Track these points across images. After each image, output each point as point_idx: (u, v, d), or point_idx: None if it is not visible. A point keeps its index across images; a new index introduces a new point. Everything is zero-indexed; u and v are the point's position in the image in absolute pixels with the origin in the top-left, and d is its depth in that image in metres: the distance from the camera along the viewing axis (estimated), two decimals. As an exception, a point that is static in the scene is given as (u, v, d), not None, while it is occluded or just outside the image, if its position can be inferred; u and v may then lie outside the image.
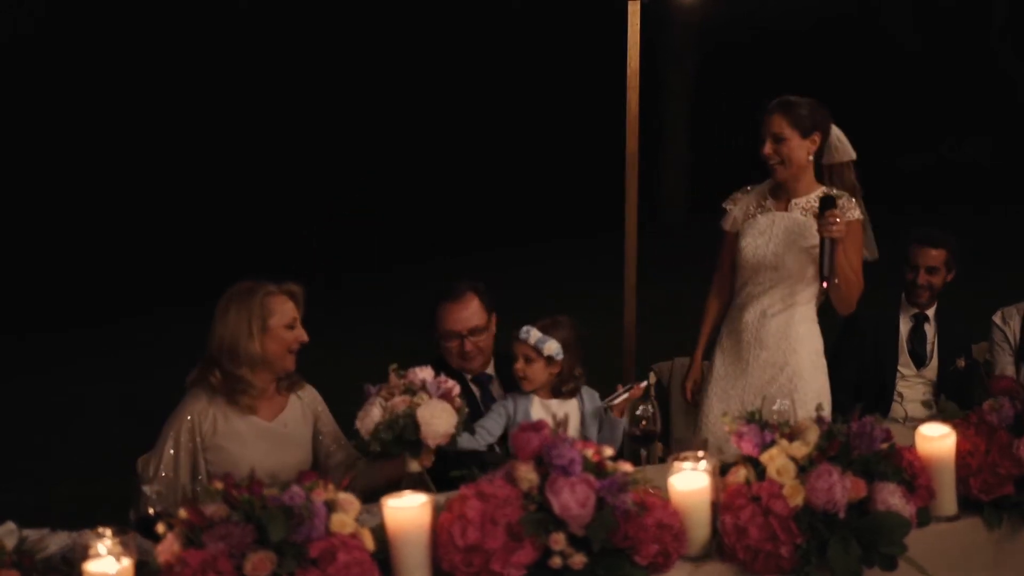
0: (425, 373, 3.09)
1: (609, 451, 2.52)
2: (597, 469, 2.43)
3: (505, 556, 2.30)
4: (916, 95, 14.62)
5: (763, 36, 13.83)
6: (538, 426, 2.45)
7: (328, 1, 14.27)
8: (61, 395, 7.46)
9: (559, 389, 3.60)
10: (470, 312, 3.70)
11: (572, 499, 2.34)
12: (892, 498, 2.55)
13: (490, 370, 3.77)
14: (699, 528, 2.53)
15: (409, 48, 14.35)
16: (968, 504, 2.79)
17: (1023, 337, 4.49)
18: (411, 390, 3.04)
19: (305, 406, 3.45)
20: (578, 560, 2.32)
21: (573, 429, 3.59)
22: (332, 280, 10.68)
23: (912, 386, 4.49)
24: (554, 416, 3.56)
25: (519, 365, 3.55)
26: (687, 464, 2.55)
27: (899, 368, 4.52)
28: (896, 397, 4.47)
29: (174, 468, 3.23)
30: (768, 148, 3.81)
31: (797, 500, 2.51)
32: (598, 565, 2.34)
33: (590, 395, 3.63)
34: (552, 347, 3.54)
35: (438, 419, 2.98)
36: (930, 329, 4.53)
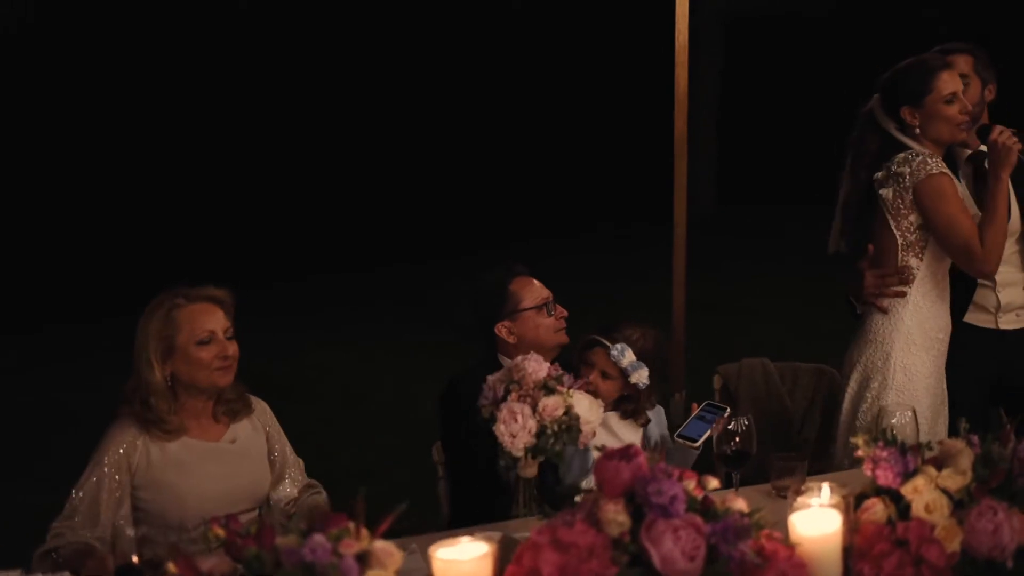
0: (544, 368, 2.67)
1: (715, 483, 1.99)
2: (704, 509, 1.90)
3: (591, 623, 1.77)
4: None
5: (792, 19, 13.30)
6: (630, 453, 1.92)
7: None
8: (61, 392, 7.08)
9: (626, 408, 3.06)
10: (539, 285, 3.21)
11: (677, 549, 1.80)
12: (1074, 541, 2.02)
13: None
14: (829, 578, 1.99)
15: (434, 41, 13.93)
16: None
17: None
18: (549, 387, 2.62)
19: (255, 418, 2.97)
20: (686, 628, 1.79)
21: None
22: (363, 273, 10.19)
23: (1004, 258, 3.44)
24: (619, 439, 3.04)
25: (592, 377, 3.02)
26: (815, 499, 2.01)
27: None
28: (985, 281, 3.51)
29: (92, 505, 2.74)
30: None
31: (954, 545, 1.98)
32: (707, 631, 1.81)
33: (657, 414, 3.10)
34: (642, 375, 3.01)
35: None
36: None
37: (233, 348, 2.84)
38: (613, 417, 3.06)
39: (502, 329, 3.13)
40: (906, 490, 2.05)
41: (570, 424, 2.59)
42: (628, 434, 3.08)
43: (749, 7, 12.47)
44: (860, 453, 2.10)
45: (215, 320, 2.83)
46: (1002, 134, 3.25)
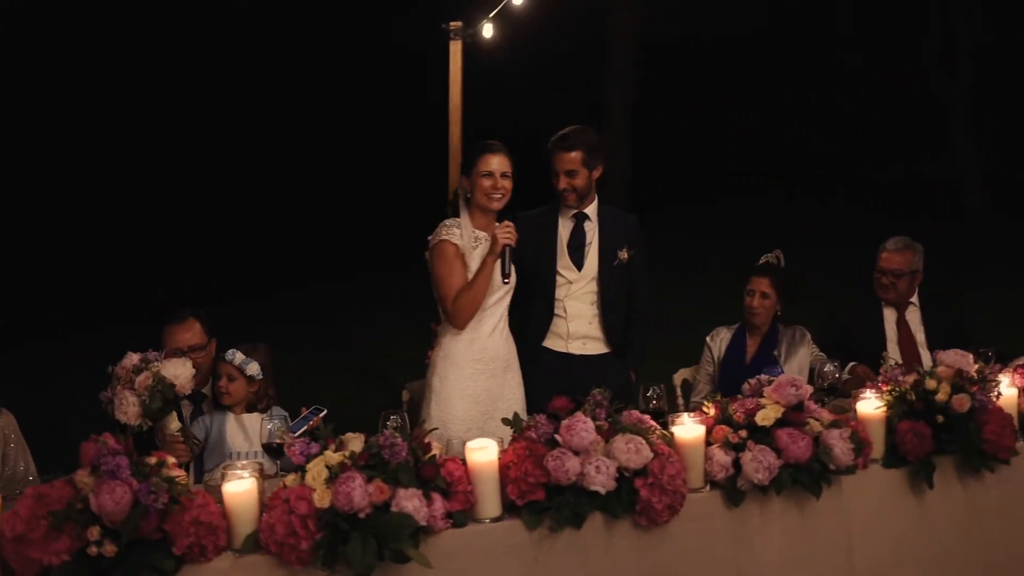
0: (135, 357, 3.64)
1: (172, 460, 3.03)
2: (143, 473, 2.93)
3: (45, 545, 2.81)
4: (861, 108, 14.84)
5: (710, 44, 14.15)
6: (100, 439, 2.96)
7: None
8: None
9: (254, 406, 4.12)
10: (191, 333, 4.22)
11: (109, 499, 2.84)
12: (406, 502, 3.00)
13: (207, 390, 4.28)
14: (245, 525, 3.01)
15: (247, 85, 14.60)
16: (514, 508, 3.23)
17: (726, 355, 4.83)
18: (139, 369, 3.59)
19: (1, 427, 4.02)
20: (109, 549, 2.82)
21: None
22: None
23: (577, 295, 4.47)
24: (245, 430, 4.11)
25: (222, 383, 4.09)
26: (242, 472, 3.04)
27: (560, 271, 4.48)
28: (560, 312, 4.51)
29: None
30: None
31: (324, 502, 2.98)
32: (130, 554, 2.85)
33: (279, 414, 4.14)
34: (253, 368, 4.07)
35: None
36: (591, 228, 4.53)
37: None
38: (246, 417, 4.12)
39: None
40: (308, 467, 3.07)
41: (162, 385, 3.55)
42: (255, 427, 4.12)
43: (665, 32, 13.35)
44: (280, 441, 3.13)
45: None
46: (503, 230, 4.12)
